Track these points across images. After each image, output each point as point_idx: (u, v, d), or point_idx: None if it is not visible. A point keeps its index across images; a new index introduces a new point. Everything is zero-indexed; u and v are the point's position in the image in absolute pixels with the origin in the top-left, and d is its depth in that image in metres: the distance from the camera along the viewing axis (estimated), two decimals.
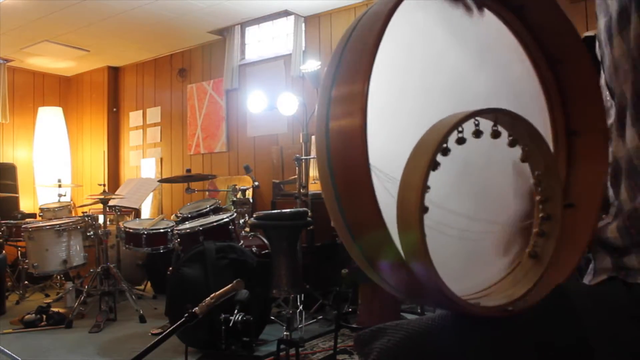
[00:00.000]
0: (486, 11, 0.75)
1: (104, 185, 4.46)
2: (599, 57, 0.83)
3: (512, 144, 0.66)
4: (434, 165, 0.57)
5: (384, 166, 0.61)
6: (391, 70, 0.66)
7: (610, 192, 0.82)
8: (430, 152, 0.56)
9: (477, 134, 0.61)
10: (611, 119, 0.81)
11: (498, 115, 0.63)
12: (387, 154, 0.62)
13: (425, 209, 0.56)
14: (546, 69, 0.79)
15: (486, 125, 0.63)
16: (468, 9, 0.74)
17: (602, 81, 0.83)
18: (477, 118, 0.61)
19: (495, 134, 0.63)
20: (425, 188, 0.56)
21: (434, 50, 0.73)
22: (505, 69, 0.79)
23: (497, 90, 0.77)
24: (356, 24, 0.63)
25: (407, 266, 0.57)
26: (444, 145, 0.57)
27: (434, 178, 0.57)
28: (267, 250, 3.49)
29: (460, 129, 0.59)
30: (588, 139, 0.77)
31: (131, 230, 4.16)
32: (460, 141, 0.59)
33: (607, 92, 0.81)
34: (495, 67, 0.78)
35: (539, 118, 0.78)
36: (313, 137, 4.18)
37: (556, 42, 0.75)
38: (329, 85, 0.62)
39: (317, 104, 0.64)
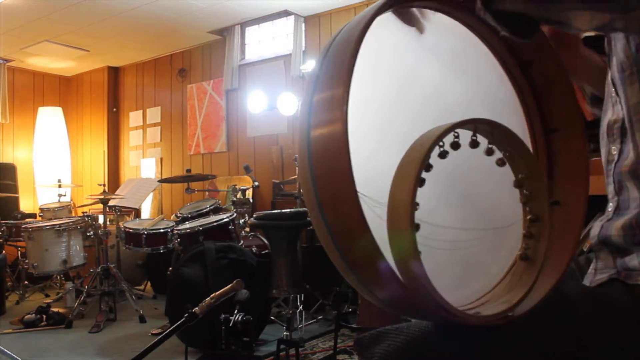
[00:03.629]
0: (452, 21, 0.75)
1: (104, 185, 4.46)
2: (606, 53, 0.83)
3: (489, 153, 0.66)
4: (420, 183, 0.57)
5: (366, 186, 0.60)
6: (368, 86, 0.66)
7: (610, 188, 0.82)
8: (415, 169, 0.56)
9: (456, 146, 0.61)
10: (615, 115, 0.81)
11: (477, 125, 0.63)
12: (369, 172, 0.61)
13: (417, 226, 0.56)
14: (518, 72, 0.79)
15: (465, 135, 0.62)
16: (420, 28, 0.74)
17: (609, 77, 0.82)
18: (456, 130, 0.60)
19: (474, 144, 0.63)
20: (414, 207, 0.55)
21: (409, 64, 0.73)
22: (479, 76, 0.79)
23: (473, 98, 0.77)
24: (337, 34, 0.63)
25: (399, 278, 0.56)
26: (427, 161, 0.57)
27: (419, 194, 0.56)
28: (267, 250, 3.49)
29: (441, 143, 0.59)
30: (566, 134, 0.78)
31: (131, 230, 4.15)
32: (443, 155, 0.59)
33: (613, 89, 0.81)
34: (469, 76, 0.78)
35: (517, 120, 0.79)
36: None
37: (524, 45, 0.74)
38: (311, 92, 0.61)
39: (299, 111, 0.63)
